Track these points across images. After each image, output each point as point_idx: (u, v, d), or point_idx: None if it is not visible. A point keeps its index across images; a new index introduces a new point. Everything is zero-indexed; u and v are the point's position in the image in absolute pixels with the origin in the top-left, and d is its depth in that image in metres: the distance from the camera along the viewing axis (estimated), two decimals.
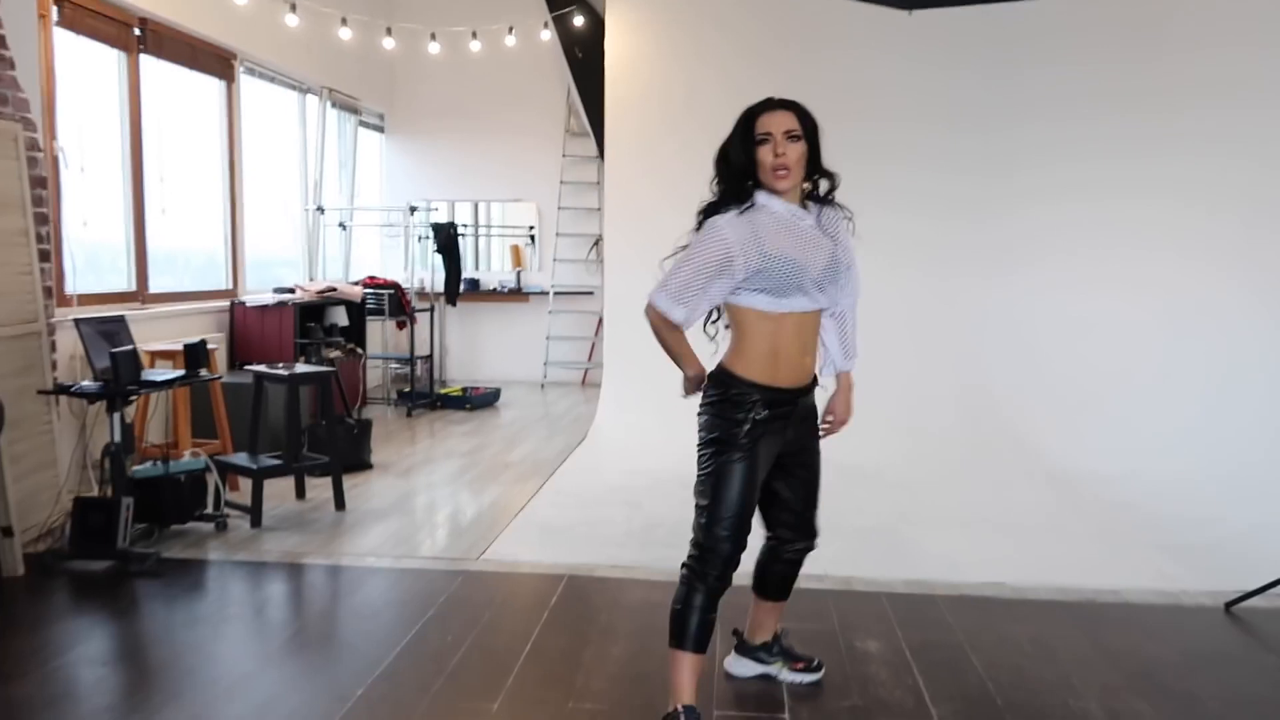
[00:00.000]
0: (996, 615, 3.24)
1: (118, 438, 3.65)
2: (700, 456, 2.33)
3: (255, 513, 4.12)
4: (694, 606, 2.31)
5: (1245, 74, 5.35)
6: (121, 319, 4.05)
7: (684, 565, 2.35)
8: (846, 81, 6.26)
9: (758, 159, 2.24)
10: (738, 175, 2.27)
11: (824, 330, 2.49)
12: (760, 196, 2.27)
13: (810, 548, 2.61)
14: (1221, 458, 4.95)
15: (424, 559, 3.77)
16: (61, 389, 3.72)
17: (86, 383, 3.75)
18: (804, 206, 2.33)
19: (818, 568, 3.62)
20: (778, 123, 2.25)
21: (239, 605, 3.32)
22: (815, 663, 2.73)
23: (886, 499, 4.77)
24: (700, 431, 2.33)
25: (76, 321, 3.90)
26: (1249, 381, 5.18)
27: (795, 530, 2.55)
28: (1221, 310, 5.42)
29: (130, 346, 3.74)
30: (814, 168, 2.32)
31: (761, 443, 2.29)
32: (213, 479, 4.15)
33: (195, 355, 4.01)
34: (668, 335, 2.32)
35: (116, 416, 3.67)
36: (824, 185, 2.37)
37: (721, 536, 2.28)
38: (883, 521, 4.37)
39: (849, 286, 2.45)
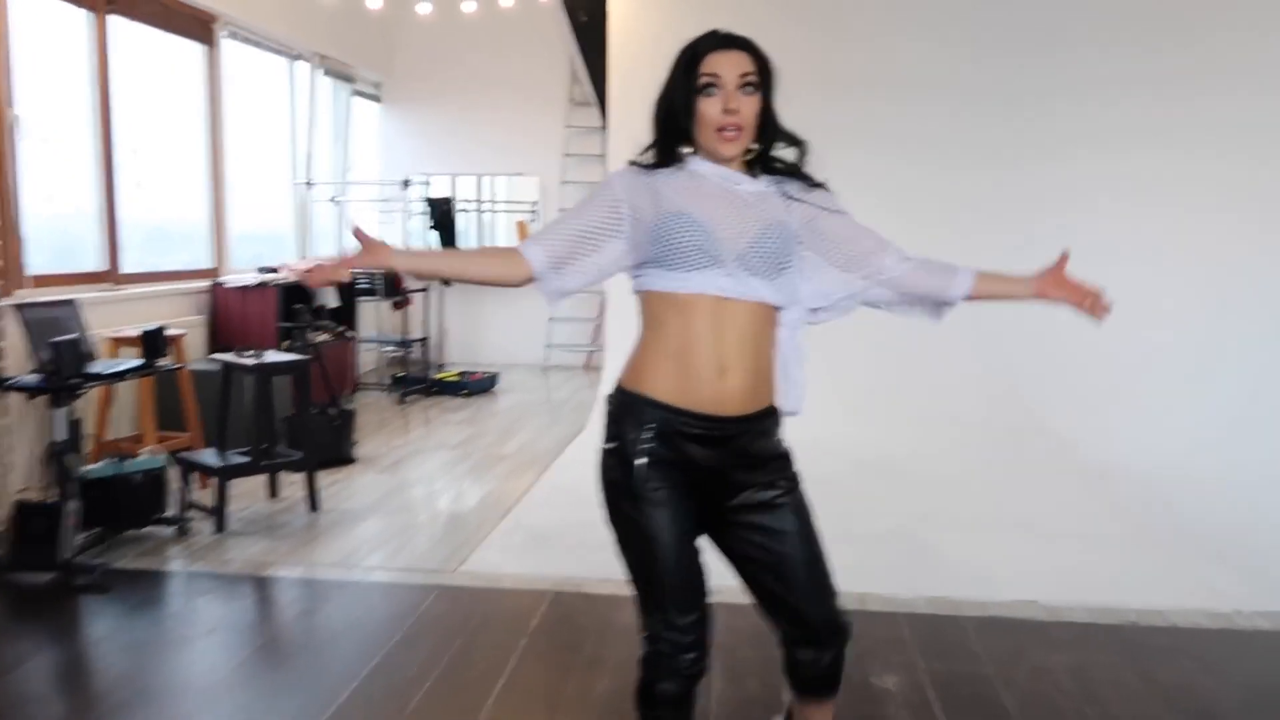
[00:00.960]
0: (1030, 641, 2.90)
1: (63, 435, 3.33)
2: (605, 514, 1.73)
3: (219, 516, 3.81)
4: (651, 705, 1.70)
5: None
6: (71, 303, 3.72)
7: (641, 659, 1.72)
8: (866, 51, 5.86)
9: (698, 113, 1.65)
10: (672, 134, 1.70)
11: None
12: (693, 163, 1.71)
13: (821, 655, 1.75)
14: (1270, 453, 4.56)
15: (398, 570, 3.46)
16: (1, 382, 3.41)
17: (26, 375, 3.44)
18: (752, 175, 1.73)
19: None
20: (729, 65, 1.64)
21: (189, 625, 3.01)
22: None
23: (905, 498, 4.41)
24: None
25: (18, 307, 3.58)
26: None
27: (790, 624, 1.75)
28: (1272, 280, 4.99)
29: (74, 335, 3.42)
30: (771, 129, 1.72)
31: (673, 488, 1.66)
32: (174, 478, 3.84)
33: (154, 343, 3.69)
34: (483, 262, 1.84)
35: (62, 412, 3.35)
36: (788, 155, 1.77)
37: (659, 625, 1.67)
38: (901, 525, 4.02)
39: (843, 283, 1.77)
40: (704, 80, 1.65)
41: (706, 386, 1.64)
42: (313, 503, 4.10)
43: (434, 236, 7.55)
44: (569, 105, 8.29)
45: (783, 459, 1.74)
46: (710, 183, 1.68)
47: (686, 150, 1.72)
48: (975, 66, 5.76)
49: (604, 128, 7.60)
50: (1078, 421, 5.32)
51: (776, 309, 1.69)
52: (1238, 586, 3.30)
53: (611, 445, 1.68)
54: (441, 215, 7.24)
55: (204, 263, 6.05)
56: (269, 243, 7.06)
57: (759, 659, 2.73)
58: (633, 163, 1.74)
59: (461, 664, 2.70)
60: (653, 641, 1.68)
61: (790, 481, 1.73)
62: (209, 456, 3.98)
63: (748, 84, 1.65)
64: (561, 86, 8.32)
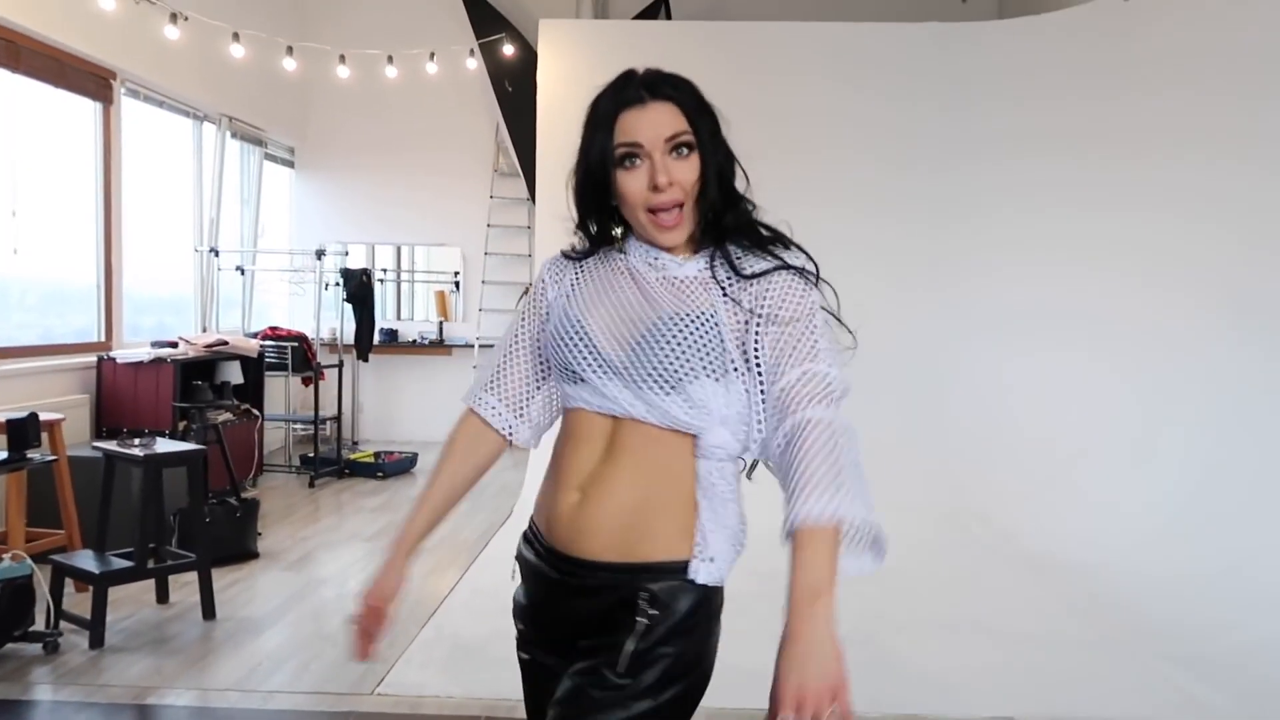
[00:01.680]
0: None
1: None
2: None
3: (96, 629, 3.32)
4: None
5: (1227, 119, 4.97)
6: None
7: None
8: (795, 110, 5.82)
9: (620, 190, 1.29)
10: (596, 210, 1.36)
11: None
12: (629, 244, 1.36)
13: None
14: (1217, 546, 4.47)
15: (304, 693, 3.02)
16: None
17: None
18: (713, 260, 1.32)
19: None
20: (652, 125, 1.27)
21: None
22: None
23: (857, 595, 4.12)
24: None
25: None
26: (1244, 451, 4.73)
27: None
28: (1208, 363, 4.97)
29: None
30: (720, 190, 1.31)
31: (540, 631, 1.37)
32: (42, 587, 3.34)
33: (21, 434, 3.23)
34: (450, 469, 1.45)
35: None
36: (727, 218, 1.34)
37: None
38: (857, 627, 3.71)
39: (763, 408, 1.27)
40: (621, 150, 1.28)
41: (563, 511, 1.30)
42: (207, 609, 3.63)
43: (348, 309, 7.15)
44: (494, 175, 8.05)
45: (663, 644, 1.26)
46: (633, 273, 1.33)
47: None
48: (910, 124, 5.79)
49: (530, 199, 7.40)
50: (1017, 510, 5.20)
51: (688, 435, 1.26)
52: (1216, 696, 3.12)
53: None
54: (358, 286, 6.86)
55: (92, 334, 5.54)
56: (169, 312, 6.57)
57: None
58: (564, 252, 1.43)
59: None
60: None
61: (623, 662, 1.24)
62: (86, 560, 3.49)
63: (681, 144, 1.27)
64: (486, 156, 8.09)
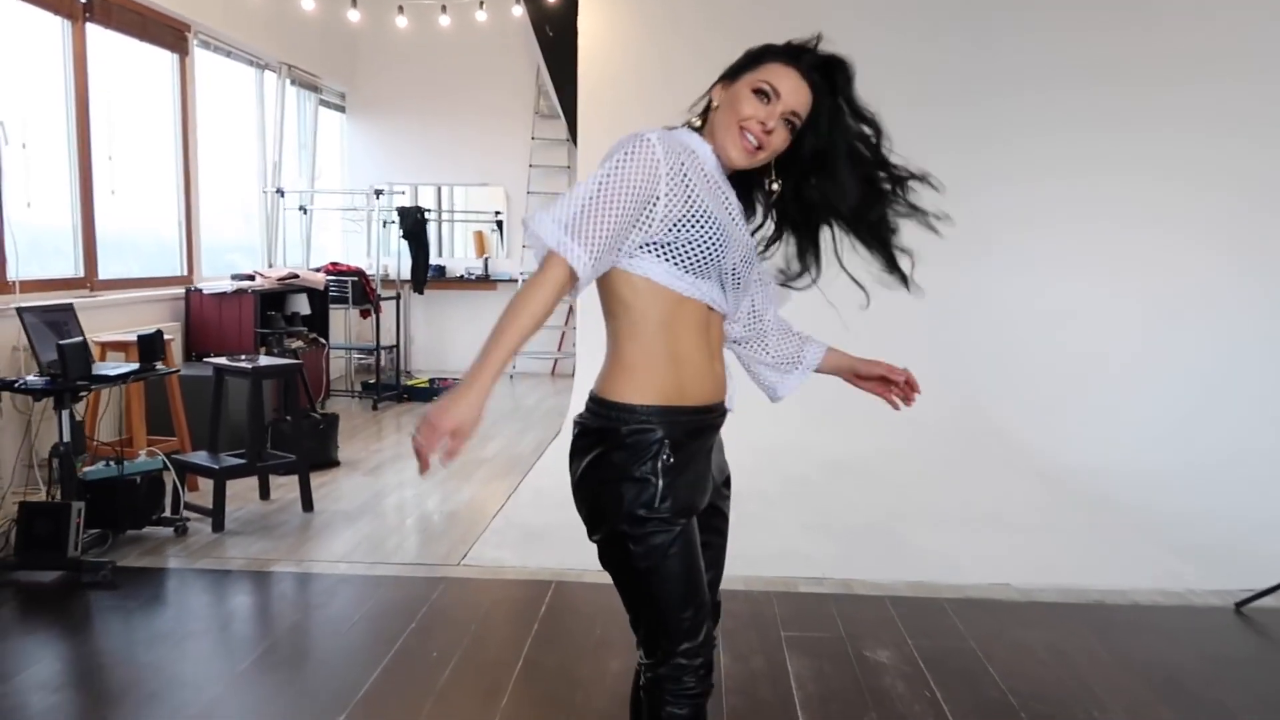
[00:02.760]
0: (1006, 619, 3.12)
1: (67, 437, 3.38)
2: (604, 555, 1.54)
3: (218, 516, 3.86)
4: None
5: (1234, 49, 5.25)
6: (69, 307, 3.76)
7: (646, 688, 1.55)
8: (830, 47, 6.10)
9: (737, 104, 1.53)
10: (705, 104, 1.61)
11: (752, 350, 1.79)
12: (696, 144, 1.56)
13: (712, 665, 1.58)
14: (1212, 449, 4.87)
15: (401, 565, 3.56)
16: (3, 385, 3.43)
17: (32, 377, 3.46)
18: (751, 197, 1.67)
19: (815, 569, 3.51)
20: (790, 88, 1.53)
21: (203, 619, 3.08)
22: None
23: (875, 495, 4.64)
24: (590, 514, 1.53)
25: (20, 310, 3.60)
26: (1240, 369, 5.11)
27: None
28: (1209, 291, 5.32)
29: (80, 338, 3.46)
30: (791, 168, 1.61)
31: (689, 498, 1.52)
32: (171, 480, 3.89)
33: (151, 347, 3.74)
34: (535, 297, 1.41)
35: (65, 414, 3.39)
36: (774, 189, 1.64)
37: (685, 634, 1.51)
38: (875, 519, 4.23)
39: (767, 293, 1.74)
40: (760, 85, 1.53)
41: (702, 380, 1.56)
42: (306, 503, 4.17)
43: (402, 246, 7.62)
44: (535, 118, 8.43)
45: (723, 454, 1.71)
46: (712, 178, 1.54)
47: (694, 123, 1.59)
48: (928, 57, 6.05)
49: (571, 139, 7.78)
50: (1030, 425, 5.60)
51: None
52: (1190, 568, 3.57)
53: (612, 470, 1.49)
54: (413, 223, 7.31)
55: (175, 270, 6.05)
56: (238, 251, 7.07)
57: (760, 639, 2.91)
58: (669, 127, 1.58)
59: (479, 648, 2.83)
60: (661, 657, 1.52)
61: (728, 480, 1.72)
62: (203, 458, 4.03)
63: (791, 121, 1.54)
64: (528, 99, 8.46)
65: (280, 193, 7.08)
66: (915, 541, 3.93)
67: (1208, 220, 5.33)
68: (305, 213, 7.48)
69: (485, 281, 8.63)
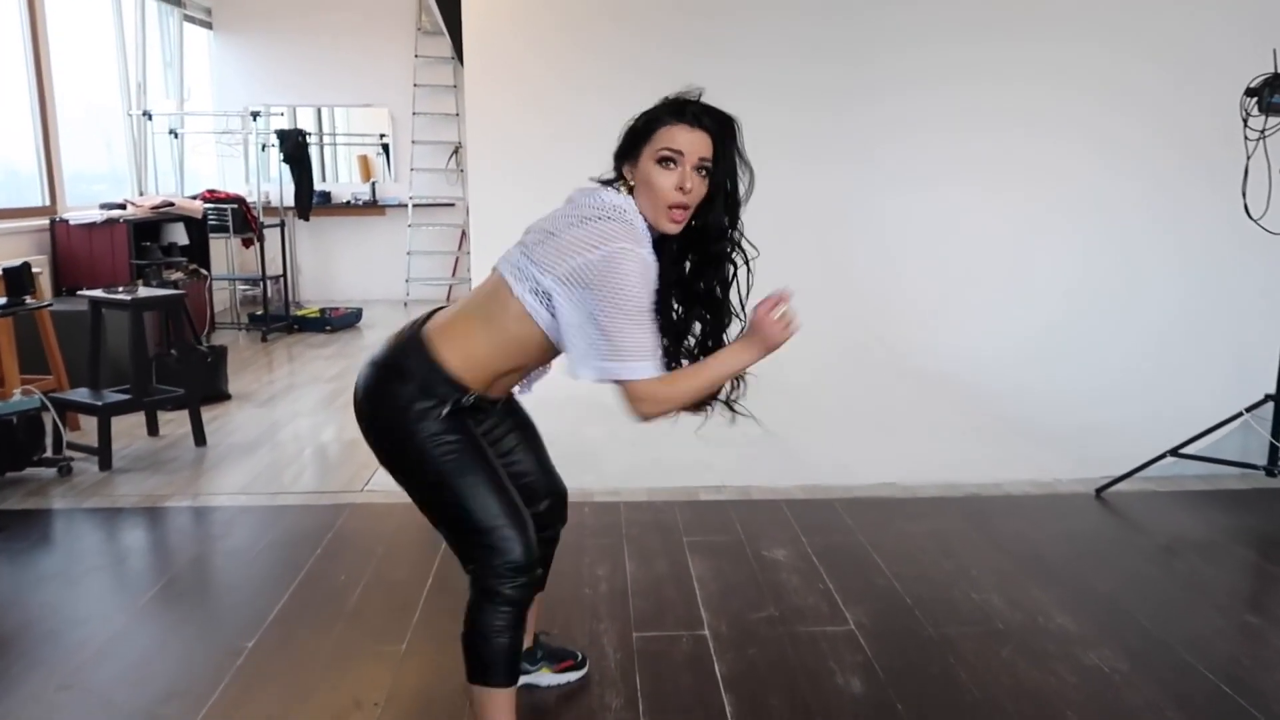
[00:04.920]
0: (892, 514, 3.32)
1: None
2: (415, 475, 1.75)
3: (104, 453, 3.74)
4: (496, 629, 1.76)
5: (1089, 16, 5.43)
6: None
7: (475, 586, 1.79)
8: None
9: (651, 179, 1.64)
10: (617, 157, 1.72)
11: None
12: (640, 220, 1.67)
13: (564, 518, 2.08)
14: (1078, 358, 5.21)
15: (303, 494, 3.53)
16: None
17: None
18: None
19: (714, 478, 3.64)
20: (687, 141, 1.64)
21: (97, 557, 3.01)
22: (581, 658, 2.25)
23: (765, 403, 4.71)
24: (396, 446, 1.74)
25: None
26: (1104, 277, 5.43)
27: (547, 495, 2.02)
28: (1061, 223, 5.63)
29: None
30: (717, 208, 1.72)
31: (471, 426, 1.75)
32: (50, 419, 3.74)
33: (19, 280, 3.55)
34: (680, 401, 1.68)
35: None
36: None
37: (505, 536, 1.72)
38: (770, 428, 4.37)
39: None
40: (664, 153, 1.63)
41: (506, 386, 1.82)
42: (199, 437, 4.07)
43: (286, 171, 7.33)
44: (418, 34, 8.13)
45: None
46: (650, 265, 1.66)
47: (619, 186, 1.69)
48: (805, 10, 6.09)
49: (457, 58, 7.55)
50: (910, 334, 5.85)
51: None
52: (1058, 462, 3.85)
53: (429, 403, 1.67)
54: (294, 146, 7.03)
55: (36, 200, 5.69)
56: (106, 180, 6.68)
57: (664, 544, 3.02)
58: (602, 181, 1.73)
59: (388, 568, 2.86)
60: (486, 562, 1.75)
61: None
62: (85, 395, 3.88)
63: (703, 167, 1.65)
64: (409, 13, 8.14)
65: (147, 115, 6.69)
66: (807, 448, 4.11)
67: (1080, 125, 5.57)
68: (176, 137, 7.10)
69: (373, 207, 8.40)
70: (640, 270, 1.58)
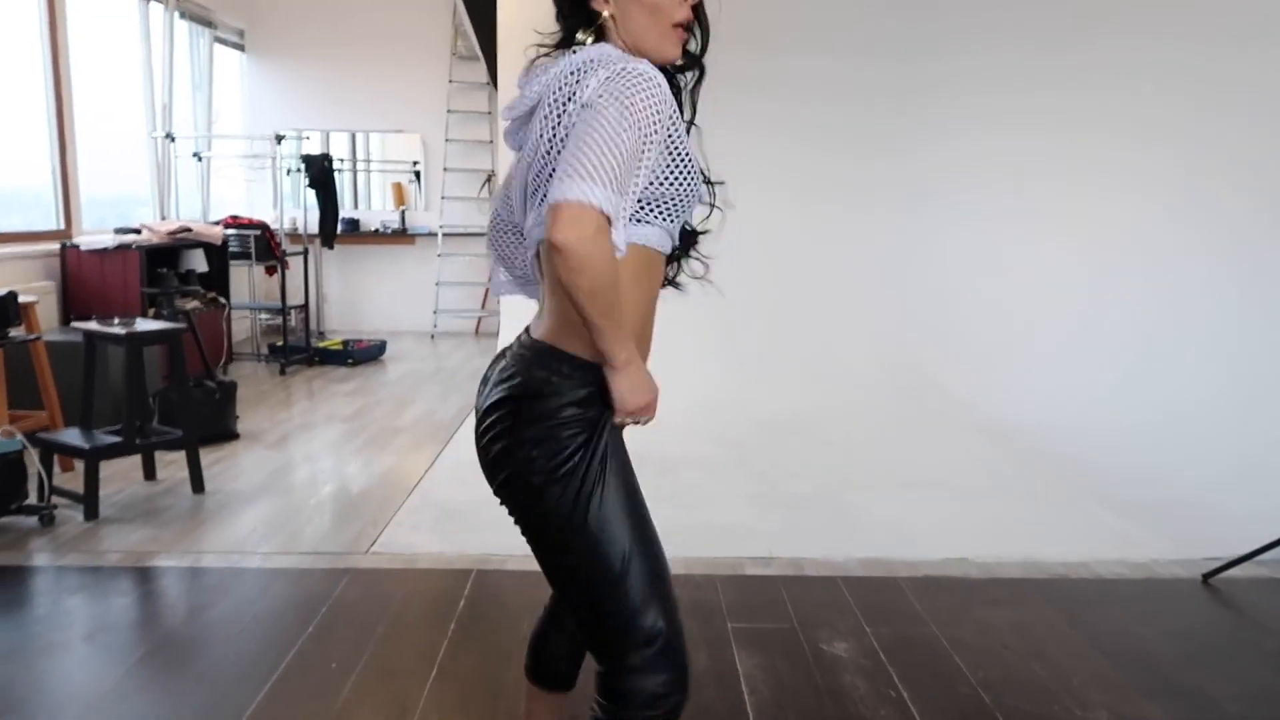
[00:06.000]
0: (967, 599, 2.88)
1: None
2: (550, 516, 1.32)
3: (90, 501, 3.41)
4: None
5: (1177, 6, 5.06)
6: None
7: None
8: (754, 10, 5.76)
9: (658, 5, 1.32)
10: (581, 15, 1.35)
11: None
12: (619, 52, 1.33)
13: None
14: (1156, 405, 4.75)
15: (302, 554, 3.17)
16: None
17: None
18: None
19: (762, 547, 3.23)
20: None
21: (63, 627, 2.66)
22: None
23: (817, 458, 4.39)
24: (531, 475, 1.32)
25: None
26: (1182, 324, 4.98)
27: None
28: (1151, 248, 5.20)
29: None
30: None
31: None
32: (35, 461, 3.42)
33: (3, 311, 3.25)
34: (605, 266, 1.18)
35: None
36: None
37: (663, 626, 1.33)
38: (821, 486, 3.98)
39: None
40: None
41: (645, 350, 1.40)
42: (196, 483, 3.74)
43: (309, 197, 7.08)
44: (452, 59, 7.89)
45: None
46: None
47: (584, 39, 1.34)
48: (867, 14, 5.77)
49: (491, 83, 7.29)
50: (970, 380, 5.43)
51: None
52: (1150, 536, 3.39)
53: (573, 414, 1.30)
54: (320, 171, 6.77)
55: (49, 224, 5.45)
56: (124, 202, 6.45)
57: (705, 631, 2.62)
58: (545, 51, 1.39)
59: (388, 652, 2.48)
60: (660, 642, 1.32)
61: None
62: (73, 436, 3.56)
63: None
64: (443, 39, 7.91)
65: (170, 138, 6.46)
66: (864, 510, 3.69)
67: (1149, 177, 5.19)
68: (200, 160, 6.86)
69: (402, 236, 8.13)
70: (653, 93, 1.22)
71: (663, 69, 1.35)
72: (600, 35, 1.34)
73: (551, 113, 1.29)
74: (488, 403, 1.39)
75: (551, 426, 1.30)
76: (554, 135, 1.28)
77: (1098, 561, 3.17)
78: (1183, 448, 4.22)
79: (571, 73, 1.27)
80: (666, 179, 1.29)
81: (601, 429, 1.32)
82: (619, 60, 1.25)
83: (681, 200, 1.32)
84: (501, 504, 1.43)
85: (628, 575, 1.31)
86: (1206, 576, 3.05)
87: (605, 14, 1.33)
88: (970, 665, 2.45)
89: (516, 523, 1.41)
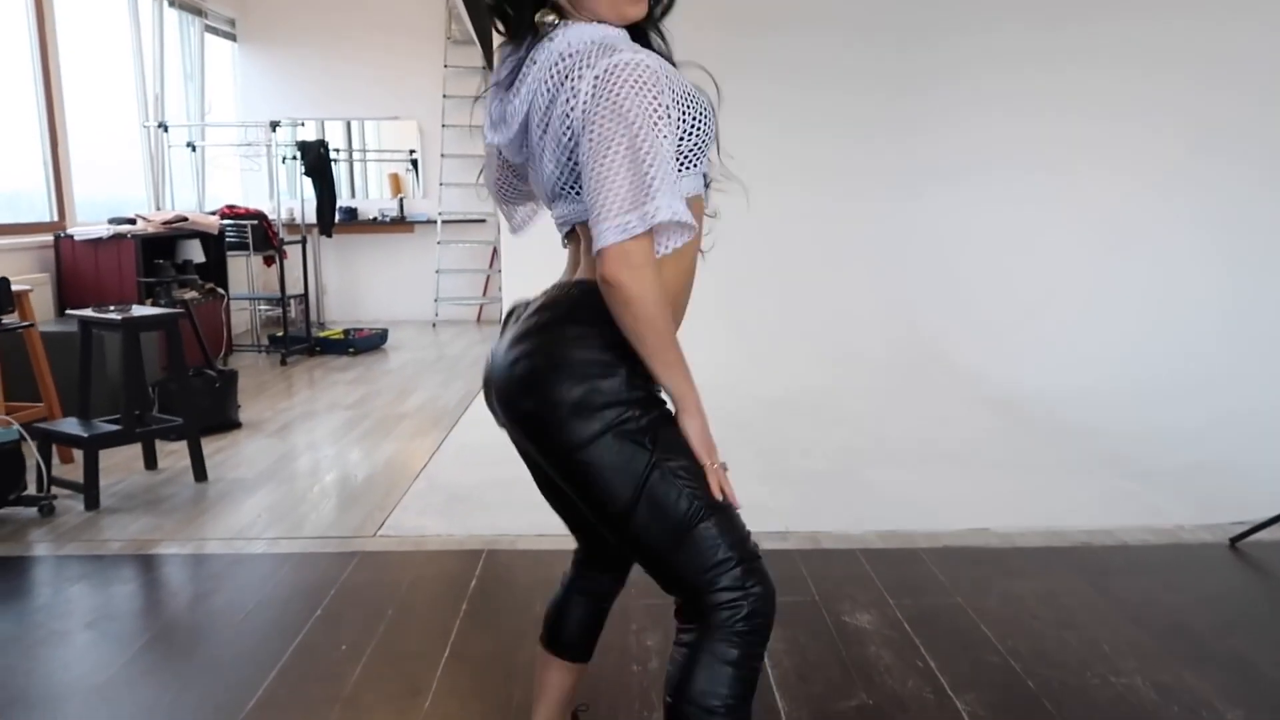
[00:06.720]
0: (991, 569, 2.81)
1: None
2: (635, 463, 1.23)
3: (90, 491, 3.34)
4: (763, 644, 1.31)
5: None
6: None
7: (734, 630, 1.25)
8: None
9: None
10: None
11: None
12: (596, 27, 1.26)
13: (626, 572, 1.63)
14: (1170, 371, 4.68)
15: (308, 538, 3.10)
16: None
17: None
18: None
19: (778, 522, 3.16)
20: None
21: (68, 615, 2.59)
22: None
23: (829, 436, 4.31)
24: (616, 423, 1.23)
25: None
26: (1194, 291, 4.91)
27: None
28: (1156, 227, 5.15)
29: None
30: None
31: None
32: (33, 452, 3.35)
33: None
34: (656, 296, 1.19)
35: None
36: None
37: (752, 552, 1.29)
38: (833, 463, 3.91)
39: None
40: None
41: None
42: (199, 471, 3.66)
43: (305, 186, 6.99)
44: (447, 44, 7.79)
45: None
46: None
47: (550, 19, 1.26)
48: (874, 38, 5.68)
49: (487, 67, 7.18)
50: (980, 355, 5.36)
51: None
52: (1176, 505, 3.31)
53: (627, 380, 1.24)
54: (316, 158, 6.68)
55: (42, 214, 5.37)
56: (126, 195, 6.37)
57: None
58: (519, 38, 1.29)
59: (398, 635, 2.41)
60: (746, 586, 1.25)
61: None
62: (72, 426, 3.49)
63: None
64: (438, 23, 7.81)
65: (163, 127, 6.37)
66: (879, 485, 3.62)
67: (1151, 154, 5.14)
68: (194, 150, 6.77)
69: (401, 224, 8.04)
70: (648, 72, 1.18)
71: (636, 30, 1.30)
72: (558, 11, 1.27)
73: (548, 117, 1.24)
74: (520, 330, 1.30)
75: (593, 363, 1.24)
76: (560, 141, 1.24)
77: (1122, 529, 3.10)
78: (1200, 413, 4.15)
79: (552, 73, 1.22)
80: (685, 133, 1.25)
81: (645, 377, 1.26)
82: (597, 53, 1.20)
83: (700, 145, 1.27)
84: (531, 453, 1.35)
85: (699, 512, 1.24)
86: (1234, 541, 2.98)
87: None
88: (998, 635, 2.38)
89: (554, 473, 1.32)
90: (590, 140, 1.17)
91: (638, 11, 1.28)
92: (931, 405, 4.84)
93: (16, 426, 3.25)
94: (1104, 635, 2.38)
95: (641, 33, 1.33)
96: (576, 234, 1.35)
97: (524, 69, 1.26)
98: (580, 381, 1.23)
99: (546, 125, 1.24)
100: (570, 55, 1.21)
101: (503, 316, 1.42)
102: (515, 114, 1.29)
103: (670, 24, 1.40)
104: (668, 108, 1.20)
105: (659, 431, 1.25)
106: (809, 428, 4.46)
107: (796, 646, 2.32)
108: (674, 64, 1.34)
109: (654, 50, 1.32)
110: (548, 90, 1.23)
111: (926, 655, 2.28)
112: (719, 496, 1.26)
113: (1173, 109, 5.02)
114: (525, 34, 1.27)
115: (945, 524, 3.15)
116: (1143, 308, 5.07)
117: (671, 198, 1.17)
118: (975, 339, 5.50)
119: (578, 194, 1.27)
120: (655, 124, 1.17)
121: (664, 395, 1.29)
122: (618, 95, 1.16)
